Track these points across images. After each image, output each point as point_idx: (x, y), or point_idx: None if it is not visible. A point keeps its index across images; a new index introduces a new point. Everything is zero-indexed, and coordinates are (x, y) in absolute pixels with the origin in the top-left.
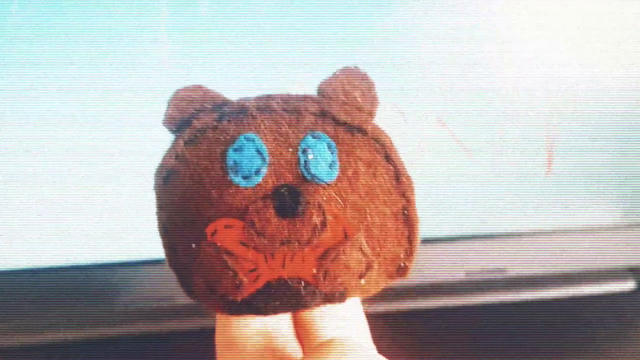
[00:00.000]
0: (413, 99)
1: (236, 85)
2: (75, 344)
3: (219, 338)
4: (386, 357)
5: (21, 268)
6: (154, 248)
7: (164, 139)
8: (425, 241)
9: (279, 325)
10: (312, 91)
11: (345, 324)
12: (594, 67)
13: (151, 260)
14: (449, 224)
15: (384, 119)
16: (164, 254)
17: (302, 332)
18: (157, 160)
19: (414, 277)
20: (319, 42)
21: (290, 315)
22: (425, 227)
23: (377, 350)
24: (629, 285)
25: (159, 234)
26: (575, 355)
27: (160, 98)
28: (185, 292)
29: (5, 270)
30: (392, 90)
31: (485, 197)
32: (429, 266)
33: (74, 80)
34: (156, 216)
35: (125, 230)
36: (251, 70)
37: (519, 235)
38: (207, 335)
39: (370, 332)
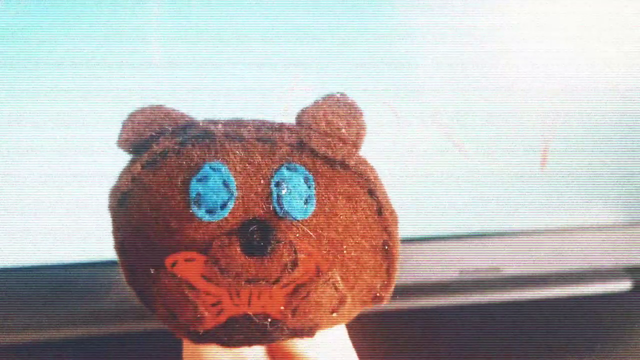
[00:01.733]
0: (408, 99)
1: (229, 85)
2: (64, 343)
3: (186, 356)
4: (379, 356)
5: (9, 266)
6: None
7: None
8: (419, 240)
9: (250, 350)
10: (306, 91)
11: (323, 348)
12: (593, 65)
13: None
14: (443, 222)
15: (378, 118)
16: (123, 273)
17: (276, 355)
18: None
19: (407, 276)
20: (313, 43)
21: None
22: (419, 226)
23: (369, 349)
24: (625, 285)
25: (115, 252)
26: (571, 355)
27: (156, 98)
28: (149, 310)
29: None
30: (388, 90)
31: (480, 196)
32: (422, 265)
33: (67, 81)
34: (112, 235)
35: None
36: (246, 70)
37: (514, 234)
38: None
39: (363, 331)
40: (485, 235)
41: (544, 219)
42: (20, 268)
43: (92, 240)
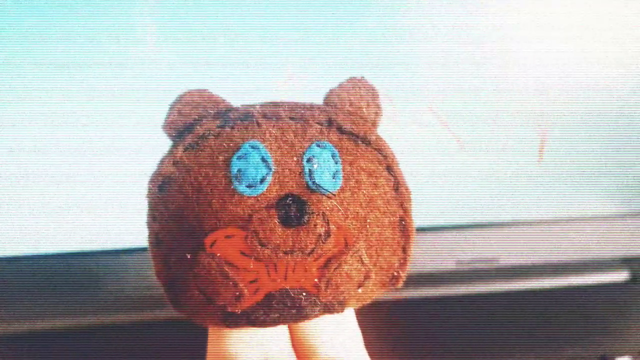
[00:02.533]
0: (408, 94)
1: (232, 85)
2: (60, 333)
3: (211, 353)
4: (376, 346)
5: (5, 256)
6: (140, 236)
7: (149, 137)
8: (416, 230)
9: (278, 344)
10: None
11: (341, 340)
12: (590, 58)
13: (137, 249)
14: (440, 213)
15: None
16: (154, 266)
17: (299, 348)
18: (141, 155)
19: None
20: (315, 41)
21: (288, 332)
22: (416, 217)
23: (367, 339)
24: (622, 276)
25: (148, 245)
26: (567, 345)
27: (153, 97)
28: (174, 306)
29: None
30: (388, 89)
31: (476, 187)
32: (419, 255)
33: (68, 81)
34: (147, 227)
35: (112, 218)
36: (249, 69)
37: (511, 225)
38: (193, 325)
39: (360, 320)
40: (482, 226)
41: (541, 209)
42: (17, 257)
43: (90, 230)
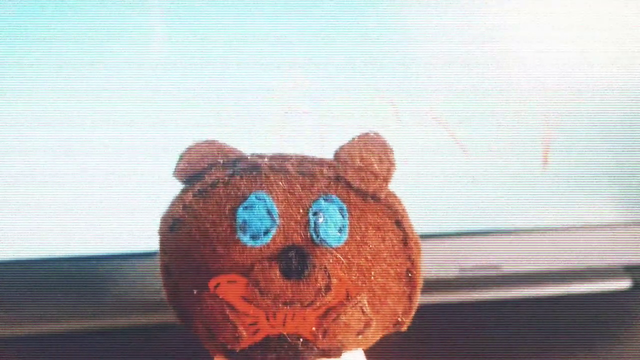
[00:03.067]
0: (409, 98)
1: (232, 85)
2: (64, 336)
3: None
4: (378, 352)
5: (11, 259)
6: (144, 241)
7: (156, 138)
8: (420, 237)
9: None
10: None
11: None
12: (593, 65)
13: (141, 253)
14: (443, 220)
15: (380, 116)
16: (165, 292)
17: None
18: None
19: None
20: (316, 41)
21: None
22: (419, 223)
23: (370, 346)
24: (625, 284)
25: (160, 272)
26: (570, 353)
27: (160, 98)
28: (185, 328)
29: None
30: (389, 89)
31: (480, 194)
32: (422, 262)
33: (71, 81)
34: (159, 257)
35: (117, 222)
36: (249, 70)
37: (514, 232)
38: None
39: None
40: (485, 233)
41: (546, 217)
42: (21, 261)
43: (95, 233)
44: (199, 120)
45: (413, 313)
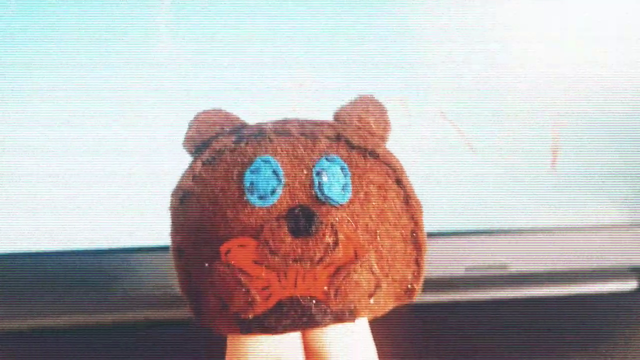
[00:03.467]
0: (418, 96)
1: (237, 84)
2: (71, 330)
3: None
4: (385, 352)
5: (20, 252)
6: (153, 235)
7: (162, 136)
8: (426, 236)
9: (291, 351)
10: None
11: (354, 352)
12: (602, 66)
13: (150, 247)
14: (450, 218)
15: (394, 116)
16: (177, 278)
17: (313, 359)
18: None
19: None
20: (324, 41)
21: (302, 342)
22: (426, 222)
23: (377, 345)
24: (631, 285)
25: (172, 257)
26: (575, 354)
27: (162, 98)
28: (195, 316)
29: (3, 253)
30: (399, 88)
31: (488, 193)
32: (428, 261)
33: (79, 80)
34: (170, 239)
35: (125, 216)
36: (256, 69)
37: (521, 231)
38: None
39: (370, 326)
40: (491, 232)
41: (553, 217)
42: (30, 254)
43: (103, 227)
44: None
45: (422, 278)
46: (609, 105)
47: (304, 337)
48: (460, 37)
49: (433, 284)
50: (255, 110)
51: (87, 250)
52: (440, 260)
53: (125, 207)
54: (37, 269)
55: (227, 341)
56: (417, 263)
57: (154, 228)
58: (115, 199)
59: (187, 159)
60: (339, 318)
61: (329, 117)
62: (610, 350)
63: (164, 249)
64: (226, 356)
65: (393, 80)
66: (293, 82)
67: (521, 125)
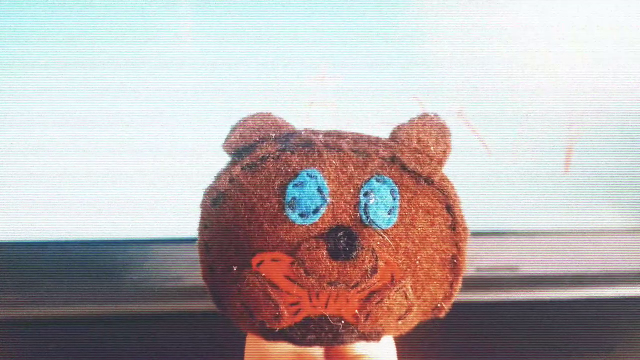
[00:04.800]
0: (434, 96)
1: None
2: (82, 319)
3: (248, 354)
4: (396, 351)
5: (34, 241)
6: (166, 227)
7: (183, 135)
8: None
9: (311, 352)
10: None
11: (376, 355)
12: (619, 67)
13: (162, 240)
14: None
15: (404, 116)
16: (201, 269)
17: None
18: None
19: None
20: (344, 40)
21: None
22: None
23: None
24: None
25: (198, 250)
26: (584, 357)
27: (182, 97)
28: (217, 307)
29: (18, 242)
30: (413, 88)
31: (500, 194)
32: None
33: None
34: (198, 233)
35: (139, 208)
36: (274, 69)
37: (532, 233)
38: (214, 318)
39: None
40: (503, 233)
41: (565, 220)
42: (44, 243)
43: (117, 218)
44: (223, 116)
45: (453, 299)
46: (624, 108)
47: (326, 347)
48: (477, 36)
49: None
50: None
51: (102, 241)
52: None
53: (146, 200)
54: (52, 257)
55: (247, 336)
56: (452, 286)
57: (169, 221)
58: (133, 194)
59: (193, 156)
60: (365, 338)
61: (346, 113)
62: (620, 354)
63: (176, 241)
64: (246, 351)
65: (410, 78)
66: (309, 79)
67: (535, 127)
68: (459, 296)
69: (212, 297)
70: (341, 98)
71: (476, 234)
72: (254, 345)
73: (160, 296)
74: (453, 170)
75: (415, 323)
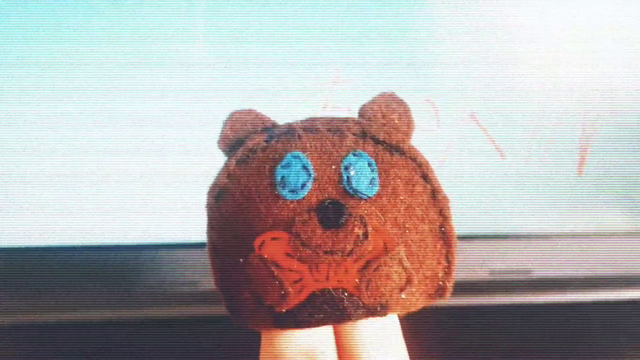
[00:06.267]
0: (445, 98)
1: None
2: (93, 324)
3: (263, 355)
4: (409, 354)
5: (46, 245)
6: (178, 232)
7: (192, 137)
8: None
9: (324, 348)
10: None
11: (386, 348)
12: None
13: (175, 244)
14: (475, 222)
15: (419, 114)
16: (213, 275)
17: (346, 357)
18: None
19: None
20: (349, 41)
21: (334, 338)
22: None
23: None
24: None
25: (208, 254)
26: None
27: (190, 98)
28: (231, 312)
29: (30, 247)
30: (425, 89)
31: (514, 197)
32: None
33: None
34: (206, 236)
35: (151, 212)
36: (285, 69)
37: (546, 237)
38: (228, 323)
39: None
40: (517, 236)
41: (577, 223)
42: (56, 248)
43: (130, 223)
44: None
45: (453, 275)
46: (637, 113)
47: (336, 334)
48: (489, 36)
49: (457, 287)
50: (284, 109)
51: (112, 246)
52: (465, 263)
53: (154, 204)
54: (64, 262)
55: (262, 337)
56: (448, 259)
57: (179, 226)
58: (142, 195)
59: (206, 158)
60: (371, 312)
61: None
62: (634, 356)
63: (191, 246)
64: (261, 351)
65: (421, 80)
66: (322, 81)
67: (548, 130)
68: (473, 300)
69: (224, 299)
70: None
71: (489, 237)
72: (268, 346)
73: (174, 301)
74: (466, 174)
75: (421, 302)
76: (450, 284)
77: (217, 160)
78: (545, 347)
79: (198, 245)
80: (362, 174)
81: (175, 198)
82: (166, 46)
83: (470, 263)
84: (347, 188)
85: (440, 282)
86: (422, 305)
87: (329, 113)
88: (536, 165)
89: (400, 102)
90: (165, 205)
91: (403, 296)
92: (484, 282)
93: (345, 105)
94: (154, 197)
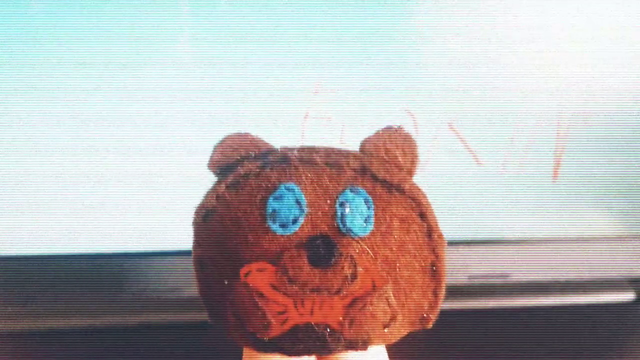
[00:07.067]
0: (422, 101)
1: (252, 86)
2: (82, 332)
3: None
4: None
5: (33, 254)
6: (164, 240)
7: (176, 138)
8: None
9: None
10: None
11: None
12: (610, 73)
13: (161, 252)
14: (452, 227)
15: (391, 119)
16: (197, 286)
17: None
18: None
19: None
20: (330, 42)
21: (315, 358)
22: None
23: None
24: (629, 296)
25: (193, 266)
26: None
27: (177, 99)
28: (214, 322)
29: (17, 255)
30: (402, 92)
31: (490, 203)
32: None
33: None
34: (192, 251)
35: (138, 221)
36: (265, 71)
37: (522, 241)
38: (212, 329)
39: None
40: (494, 241)
41: (554, 227)
42: (43, 256)
43: (115, 231)
44: (217, 120)
45: (439, 308)
46: (612, 116)
47: (318, 357)
48: (464, 40)
49: None
50: (267, 113)
51: (101, 254)
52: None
53: (140, 211)
54: (51, 271)
55: (244, 351)
56: (435, 294)
57: (167, 233)
58: (129, 203)
59: (197, 163)
60: (352, 346)
61: (338, 120)
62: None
63: (174, 254)
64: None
65: (397, 83)
66: (303, 84)
67: (525, 134)
68: (452, 304)
69: (208, 312)
70: (335, 110)
71: (467, 242)
72: (249, 358)
73: (161, 307)
74: (443, 180)
75: (404, 333)
76: (434, 316)
77: (202, 165)
78: (523, 350)
79: (182, 253)
80: (357, 212)
81: (159, 205)
82: (154, 46)
83: (449, 268)
84: (340, 226)
85: (424, 314)
86: (404, 334)
87: (320, 128)
88: (513, 171)
89: (406, 137)
90: (149, 212)
91: (386, 330)
92: (463, 287)
93: (328, 113)
94: (138, 205)
